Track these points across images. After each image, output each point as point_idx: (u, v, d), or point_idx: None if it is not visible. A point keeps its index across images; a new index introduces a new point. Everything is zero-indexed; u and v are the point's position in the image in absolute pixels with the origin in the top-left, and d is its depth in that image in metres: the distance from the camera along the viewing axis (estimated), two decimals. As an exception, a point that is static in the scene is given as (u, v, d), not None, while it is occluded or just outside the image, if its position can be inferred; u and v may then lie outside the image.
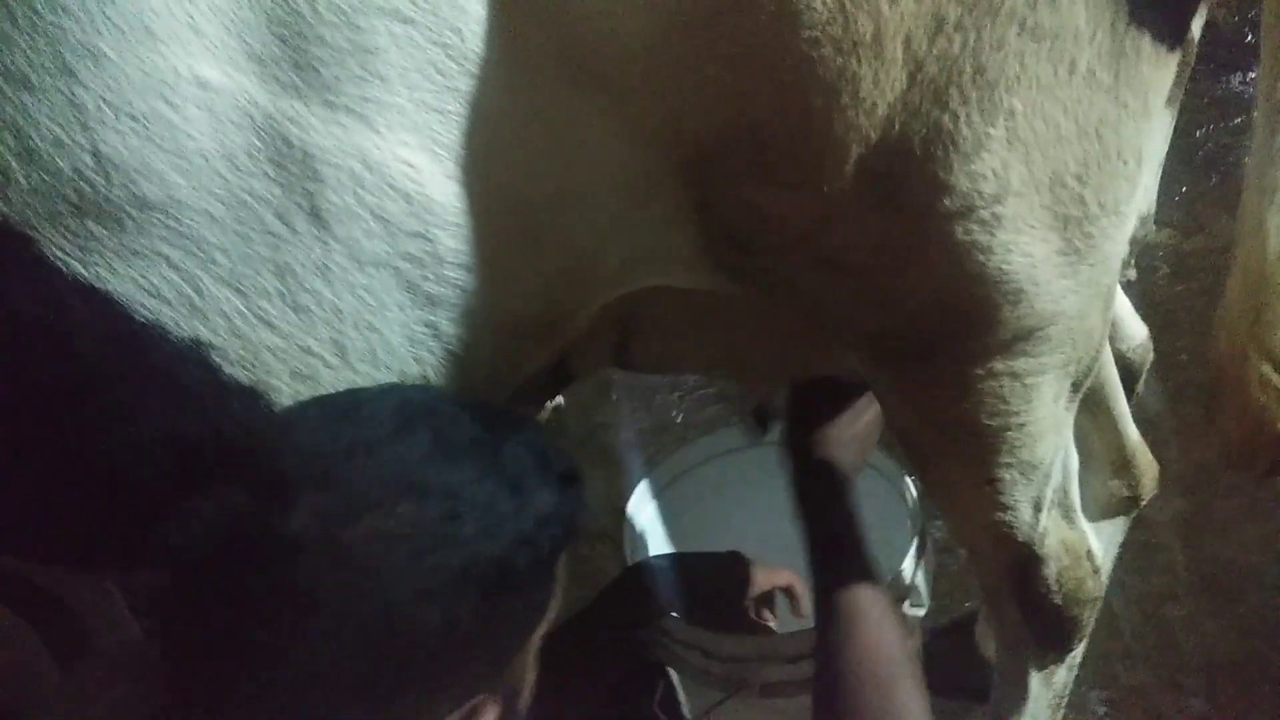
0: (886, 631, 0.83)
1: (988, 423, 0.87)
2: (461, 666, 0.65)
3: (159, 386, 0.65)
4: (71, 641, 1.41)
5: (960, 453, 0.91)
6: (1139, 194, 0.82)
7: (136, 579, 0.87)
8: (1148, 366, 1.34)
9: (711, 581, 1.12)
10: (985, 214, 0.72)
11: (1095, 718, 1.46)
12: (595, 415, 1.98)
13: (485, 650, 0.66)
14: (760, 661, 1.16)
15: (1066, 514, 1.03)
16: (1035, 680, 1.15)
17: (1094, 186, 0.75)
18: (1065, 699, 1.21)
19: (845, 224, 0.73)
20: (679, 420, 1.97)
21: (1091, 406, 1.11)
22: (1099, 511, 1.16)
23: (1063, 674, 1.17)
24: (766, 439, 1.31)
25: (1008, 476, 0.92)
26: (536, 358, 0.83)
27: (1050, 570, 1.02)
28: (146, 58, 0.57)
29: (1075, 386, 0.91)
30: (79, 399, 0.66)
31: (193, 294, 0.63)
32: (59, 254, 0.60)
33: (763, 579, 1.13)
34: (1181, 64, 0.84)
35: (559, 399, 1.92)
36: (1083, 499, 1.09)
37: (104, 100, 0.57)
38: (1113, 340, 1.28)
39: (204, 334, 0.64)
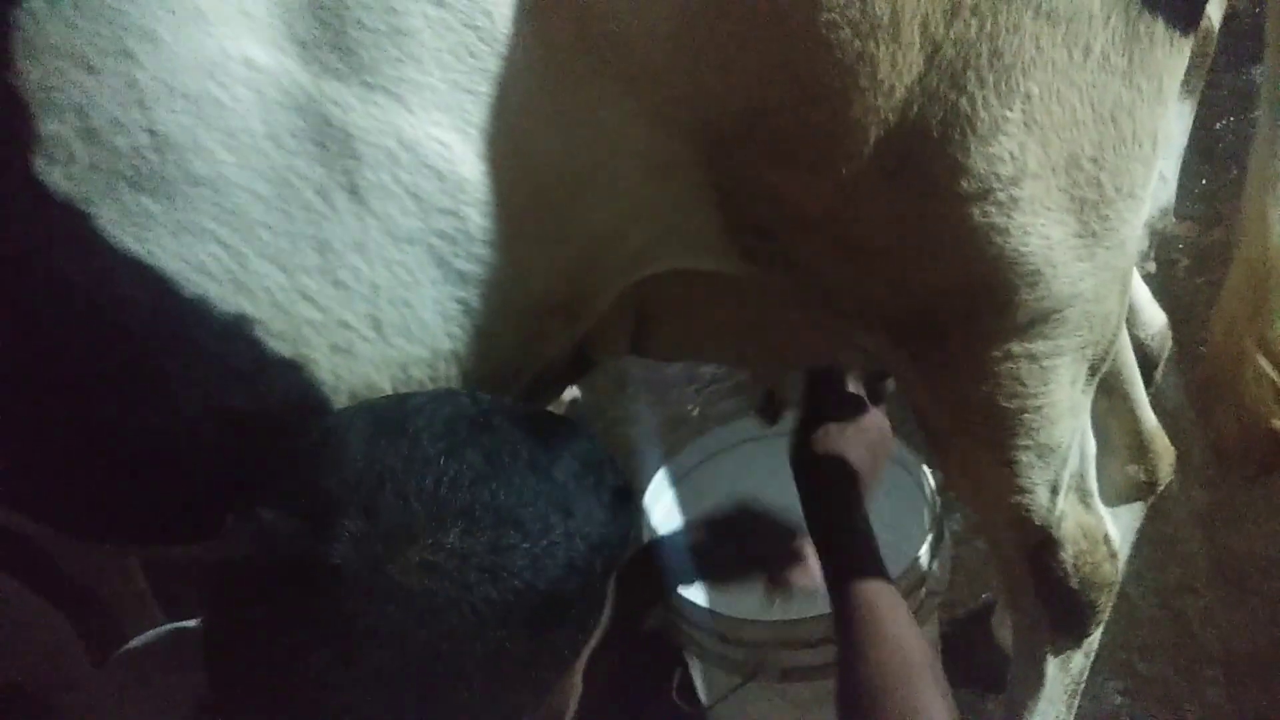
0: (906, 633, 0.82)
1: (1005, 405, 0.87)
2: (503, 696, 0.63)
3: (203, 361, 0.68)
4: (104, 632, 1.44)
5: (978, 435, 0.92)
6: (1154, 178, 0.82)
7: (174, 556, 0.89)
8: (1166, 354, 1.34)
9: (722, 538, 1.08)
10: (1002, 196, 0.73)
11: (1113, 707, 1.46)
12: (612, 407, 2.00)
13: (529, 679, 0.64)
14: (778, 646, 1.17)
15: (1084, 498, 1.04)
16: (1052, 666, 1.16)
17: (1110, 170, 0.76)
18: (1081, 686, 1.21)
19: (863, 206, 0.74)
20: (695, 413, 1.98)
21: (1109, 392, 1.11)
22: (1116, 497, 1.16)
23: (1079, 660, 1.17)
24: (774, 430, 1.31)
25: (1025, 459, 0.93)
26: (560, 339, 0.85)
27: (1067, 554, 1.03)
28: (199, 40, 0.60)
29: (1092, 370, 0.91)
30: (126, 373, 0.68)
31: (237, 269, 0.65)
32: (113, 230, 0.62)
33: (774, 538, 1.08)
34: (1201, 55, 0.84)
35: (576, 391, 1.94)
36: (1100, 484, 1.09)
37: (160, 80, 0.60)
38: (1131, 327, 1.28)
39: (248, 309, 0.66)
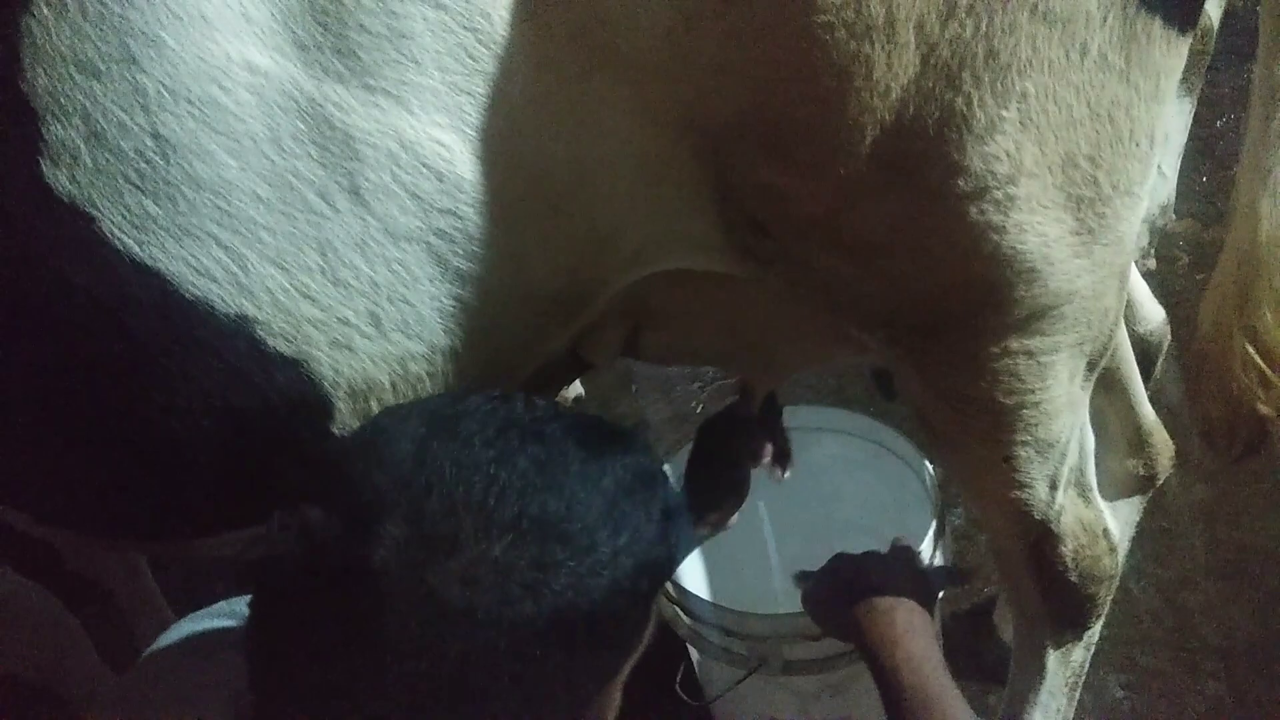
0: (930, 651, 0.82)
1: (1004, 400, 0.88)
2: (538, 712, 0.61)
3: (205, 361, 0.69)
4: (117, 634, 1.46)
5: (977, 430, 0.92)
6: (1152, 175, 0.83)
7: (183, 552, 0.90)
8: (1165, 348, 1.34)
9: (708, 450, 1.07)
10: (999, 194, 0.73)
11: (1114, 700, 1.46)
12: (616, 405, 2.01)
13: (566, 696, 0.62)
14: (781, 639, 1.18)
15: (1083, 492, 1.04)
16: (1052, 659, 1.16)
17: (1106, 168, 0.76)
18: (1082, 679, 1.22)
19: (860, 205, 0.74)
20: (699, 410, 1.99)
21: (1108, 387, 1.12)
22: (1115, 491, 1.17)
23: (1079, 653, 1.18)
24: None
25: (1024, 454, 0.94)
26: (556, 337, 0.85)
27: (1067, 548, 1.04)
28: (203, 45, 0.61)
29: (1090, 365, 0.92)
30: (129, 372, 0.69)
31: (239, 272, 0.66)
32: (117, 233, 0.63)
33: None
34: (1201, 54, 0.84)
35: (580, 390, 1.95)
36: (1100, 479, 1.09)
37: (164, 85, 0.61)
38: (1130, 323, 1.28)
39: (249, 309, 0.67)
